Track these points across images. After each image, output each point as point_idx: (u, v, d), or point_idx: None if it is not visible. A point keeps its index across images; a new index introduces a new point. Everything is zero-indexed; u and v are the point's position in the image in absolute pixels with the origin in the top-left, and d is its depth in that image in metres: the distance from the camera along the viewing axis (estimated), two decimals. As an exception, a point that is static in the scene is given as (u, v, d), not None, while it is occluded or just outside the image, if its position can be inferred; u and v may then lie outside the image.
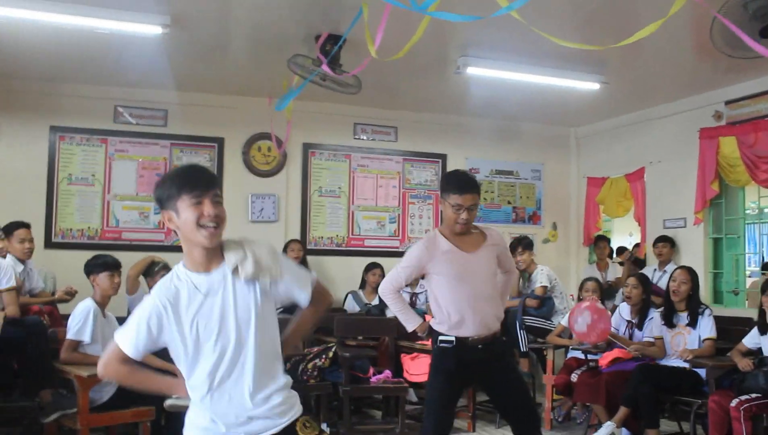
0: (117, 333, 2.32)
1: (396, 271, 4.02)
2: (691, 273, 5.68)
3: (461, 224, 3.79)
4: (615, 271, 8.14)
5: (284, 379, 2.37)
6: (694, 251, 7.24)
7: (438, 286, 3.86)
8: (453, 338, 3.80)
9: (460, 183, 3.82)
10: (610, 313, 6.08)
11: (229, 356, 2.25)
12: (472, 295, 3.80)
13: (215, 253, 2.28)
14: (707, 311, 5.59)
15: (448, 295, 3.82)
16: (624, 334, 6.02)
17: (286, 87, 6.26)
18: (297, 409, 2.40)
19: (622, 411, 5.30)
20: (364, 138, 8.21)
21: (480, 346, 3.81)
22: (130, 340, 2.26)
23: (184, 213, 2.21)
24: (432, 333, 3.92)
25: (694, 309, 5.57)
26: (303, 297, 2.44)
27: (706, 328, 5.49)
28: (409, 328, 4.05)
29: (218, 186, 2.30)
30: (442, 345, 3.83)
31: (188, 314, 2.24)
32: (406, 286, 7.46)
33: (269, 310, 2.33)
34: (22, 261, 5.60)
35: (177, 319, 2.23)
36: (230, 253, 2.26)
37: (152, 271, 5.74)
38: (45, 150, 7.07)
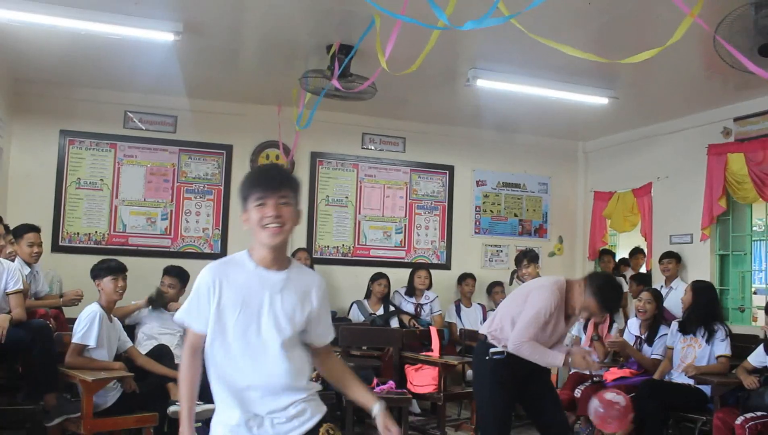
0: (179, 313, 2.38)
1: (527, 323, 3.93)
2: (693, 285, 5.80)
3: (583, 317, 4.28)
4: (620, 286, 8.12)
5: (308, 390, 2.41)
6: (701, 267, 7.21)
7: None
8: (504, 351, 3.95)
9: (609, 305, 4.09)
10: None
11: (259, 352, 2.31)
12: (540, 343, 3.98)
13: (281, 253, 2.37)
14: (723, 330, 5.53)
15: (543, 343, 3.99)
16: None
17: (295, 96, 6.29)
18: (319, 415, 2.43)
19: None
20: (372, 148, 8.22)
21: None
22: (191, 315, 2.35)
23: (251, 213, 2.31)
24: (484, 344, 4.06)
25: (707, 322, 5.55)
26: (320, 341, 2.49)
27: (721, 346, 5.46)
28: (558, 364, 4.02)
29: (289, 187, 2.34)
30: (496, 357, 3.97)
31: (240, 300, 2.31)
32: (410, 296, 7.51)
33: (301, 329, 2.40)
34: (29, 264, 5.61)
35: (220, 299, 2.31)
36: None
37: (162, 301, 5.70)
38: (55, 154, 7.10)
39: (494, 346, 3.99)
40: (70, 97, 7.11)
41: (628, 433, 5.29)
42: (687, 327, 5.64)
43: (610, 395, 4.98)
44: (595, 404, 4.79)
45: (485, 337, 4.10)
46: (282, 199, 2.30)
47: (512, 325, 3.97)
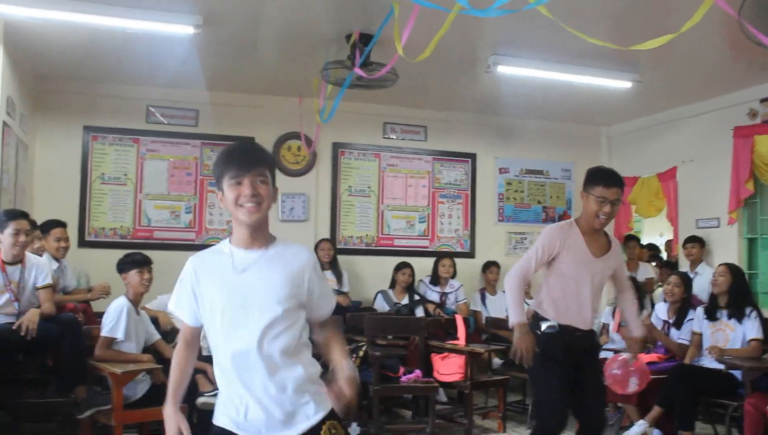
0: (170, 303, 2.41)
1: (527, 258, 3.86)
2: (731, 267, 5.63)
3: (603, 219, 3.74)
4: (645, 271, 8.06)
5: (307, 374, 2.29)
6: (728, 251, 7.13)
7: (554, 278, 3.85)
8: (557, 324, 3.81)
9: (606, 176, 3.79)
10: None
11: (249, 337, 2.21)
12: (581, 298, 3.82)
13: (260, 232, 2.30)
14: (754, 313, 5.46)
15: (560, 290, 3.84)
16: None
17: (316, 87, 6.29)
18: (323, 412, 2.29)
19: (656, 411, 5.24)
20: (394, 137, 8.20)
21: (579, 333, 3.84)
22: (179, 306, 2.37)
23: (227, 193, 2.26)
24: (535, 319, 3.89)
25: (740, 305, 5.45)
26: (320, 313, 2.42)
27: (753, 328, 5.38)
28: (511, 321, 3.85)
29: (265, 165, 2.28)
30: (547, 331, 3.81)
31: (218, 285, 2.27)
32: (435, 285, 7.50)
33: (296, 305, 2.29)
34: (57, 259, 5.68)
35: (204, 287, 2.29)
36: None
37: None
38: (78, 149, 7.17)
39: (546, 320, 3.85)
40: (92, 93, 7.17)
41: (658, 418, 5.27)
42: (715, 311, 5.57)
43: (621, 358, 4.96)
44: (610, 370, 4.77)
45: (535, 312, 3.94)
46: (258, 177, 2.24)
47: (546, 290, 3.89)
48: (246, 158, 2.27)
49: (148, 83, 7.18)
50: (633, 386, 5.12)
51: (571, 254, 3.79)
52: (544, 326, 3.83)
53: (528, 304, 4.08)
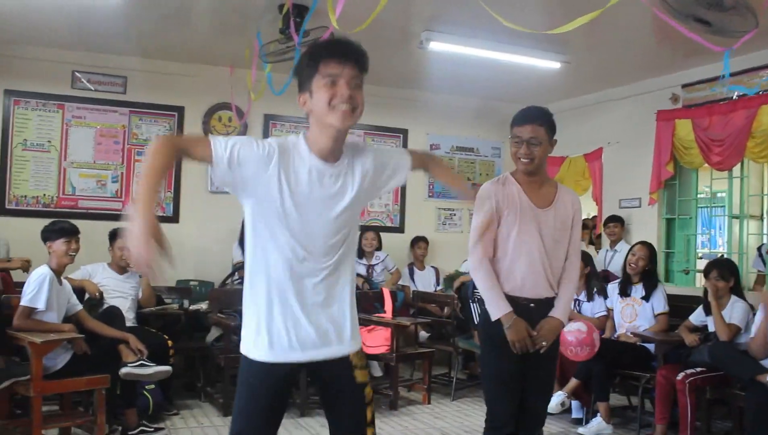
0: (213, 137, 2.12)
1: (472, 239, 3.24)
2: (650, 249, 5.84)
3: (524, 161, 3.26)
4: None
5: (352, 294, 2.35)
6: (648, 231, 7.39)
7: (499, 237, 3.27)
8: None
9: (520, 114, 3.40)
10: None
11: (314, 249, 2.18)
12: (535, 256, 3.23)
13: (340, 144, 2.20)
14: (661, 288, 5.75)
15: (502, 251, 3.26)
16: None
17: (248, 57, 6.21)
18: (359, 339, 2.38)
19: (574, 382, 5.42)
20: (325, 111, 8.15)
21: (532, 304, 3.25)
22: (220, 142, 2.08)
23: (318, 93, 2.11)
24: (481, 302, 3.38)
25: (651, 283, 5.71)
26: (402, 167, 2.46)
27: (659, 303, 5.65)
28: (493, 315, 3.19)
29: (363, 69, 2.14)
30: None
31: (293, 187, 2.13)
32: (361, 258, 7.52)
33: (359, 211, 2.34)
34: (-26, 227, 5.50)
35: (281, 178, 2.11)
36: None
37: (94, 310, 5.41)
38: (-1, 114, 6.92)
39: None
40: (14, 56, 6.89)
41: (576, 389, 5.45)
42: (627, 288, 5.79)
43: (573, 327, 5.08)
44: (566, 341, 4.90)
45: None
46: (354, 79, 2.12)
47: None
48: (347, 56, 2.12)
49: (74, 47, 6.95)
50: (584, 353, 5.25)
51: (508, 208, 3.26)
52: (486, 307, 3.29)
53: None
